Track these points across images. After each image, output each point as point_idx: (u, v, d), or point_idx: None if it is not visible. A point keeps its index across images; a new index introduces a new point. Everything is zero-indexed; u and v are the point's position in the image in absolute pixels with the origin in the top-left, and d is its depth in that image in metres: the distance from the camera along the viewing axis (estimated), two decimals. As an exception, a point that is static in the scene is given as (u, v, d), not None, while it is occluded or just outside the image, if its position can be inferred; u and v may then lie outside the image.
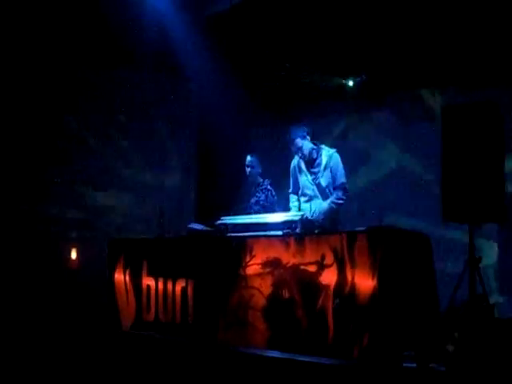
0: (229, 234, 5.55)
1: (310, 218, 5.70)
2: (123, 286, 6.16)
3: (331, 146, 6.10)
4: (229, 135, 8.58)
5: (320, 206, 5.94)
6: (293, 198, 6.24)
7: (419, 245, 4.87)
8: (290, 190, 6.26)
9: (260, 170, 6.83)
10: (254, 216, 5.95)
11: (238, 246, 5.25)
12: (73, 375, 5.35)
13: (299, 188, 6.14)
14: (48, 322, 6.71)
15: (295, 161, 6.16)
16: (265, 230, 5.32)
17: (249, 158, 6.84)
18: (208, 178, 8.82)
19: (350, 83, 7.92)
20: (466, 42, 6.62)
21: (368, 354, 4.32)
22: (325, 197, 5.95)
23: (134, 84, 8.39)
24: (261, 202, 6.67)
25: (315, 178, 5.97)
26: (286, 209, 6.29)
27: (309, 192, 6.03)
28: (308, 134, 6.00)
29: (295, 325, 4.77)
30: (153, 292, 5.86)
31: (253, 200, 6.71)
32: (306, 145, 5.96)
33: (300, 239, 4.85)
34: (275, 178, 6.91)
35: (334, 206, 5.88)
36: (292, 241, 4.89)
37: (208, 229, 5.84)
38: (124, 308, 6.14)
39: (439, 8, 6.36)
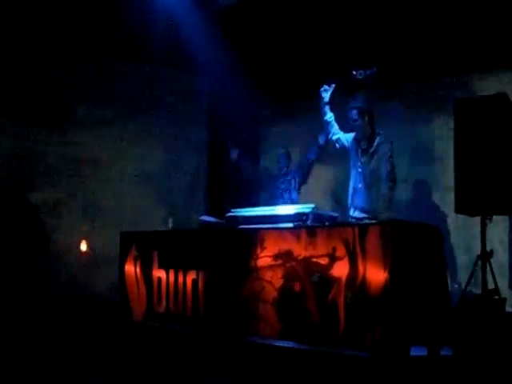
0: (240, 226, 5.56)
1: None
2: (134, 278, 6.18)
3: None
4: (240, 127, 8.56)
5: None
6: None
7: (430, 237, 4.87)
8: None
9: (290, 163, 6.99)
10: (264, 208, 5.96)
11: (251, 239, 5.24)
12: (83, 365, 5.40)
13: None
14: (58, 312, 6.76)
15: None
16: (276, 223, 5.32)
17: (282, 150, 6.99)
18: (220, 170, 8.80)
19: (361, 75, 7.89)
20: (479, 33, 6.58)
21: (380, 346, 4.32)
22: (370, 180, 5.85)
23: (144, 77, 8.40)
24: (288, 178, 6.86)
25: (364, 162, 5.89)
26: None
27: (355, 173, 5.96)
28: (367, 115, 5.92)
29: (306, 317, 4.78)
30: (164, 284, 5.88)
31: (279, 181, 6.91)
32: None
33: (311, 231, 4.85)
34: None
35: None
36: (303, 233, 4.88)
37: (219, 221, 5.85)
38: (135, 299, 6.16)
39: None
